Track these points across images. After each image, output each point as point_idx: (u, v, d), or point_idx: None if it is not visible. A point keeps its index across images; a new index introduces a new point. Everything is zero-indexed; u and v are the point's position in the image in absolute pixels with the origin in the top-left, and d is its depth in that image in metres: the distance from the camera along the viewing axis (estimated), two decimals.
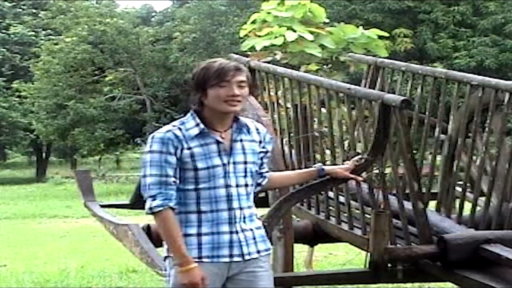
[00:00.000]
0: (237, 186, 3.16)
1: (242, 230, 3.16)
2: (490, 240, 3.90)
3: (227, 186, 3.14)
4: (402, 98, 3.91)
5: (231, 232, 3.13)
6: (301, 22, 6.70)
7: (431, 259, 4.04)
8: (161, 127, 3.23)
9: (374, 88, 5.48)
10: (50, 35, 33.13)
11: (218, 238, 3.12)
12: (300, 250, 6.62)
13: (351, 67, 6.62)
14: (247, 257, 3.15)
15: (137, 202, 6.24)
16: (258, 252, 3.20)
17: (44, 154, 39.12)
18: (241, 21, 21.16)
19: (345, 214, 4.67)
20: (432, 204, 4.77)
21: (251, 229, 3.19)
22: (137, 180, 7.34)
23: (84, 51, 28.83)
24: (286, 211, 4.24)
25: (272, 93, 5.36)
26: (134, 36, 29.72)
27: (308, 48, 6.54)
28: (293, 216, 5.08)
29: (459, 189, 4.64)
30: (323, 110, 4.82)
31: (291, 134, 5.20)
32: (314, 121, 5.03)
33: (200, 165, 3.10)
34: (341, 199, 4.69)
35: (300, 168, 4.76)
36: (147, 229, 5.02)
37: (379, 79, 5.68)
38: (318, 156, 4.96)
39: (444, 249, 3.90)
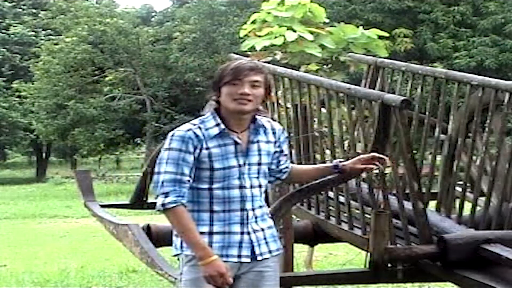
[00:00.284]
0: (251, 187, 3.17)
1: (254, 231, 3.17)
2: (490, 240, 3.90)
3: (241, 187, 3.15)
4: (402, 98, 3.91)
5: (242, 233, 3.15)
6: (301, 22, 6.70)
7: (431, 259, 4.04)
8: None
9: (374, 88, 5.48)
10: (50, 35, 33.12)
11: (228, 238, 3.13)
12: (300, 250, 6.62)
13: (351, 67, 6.62)
14: (259, 258, 3.17)
15: (137, 202, 6.25)
16: (270, 252, 3.22)
17: (44, 154, 39.13)
18: (241, 21, 21.15)
19: (345, 214, 4.67)
20: (432, 204, 4.77)
21: (263, 229, 3.21)
22: (137, 180, 7.33)
23: (84, 51, 28.82)
24: (286, 211, 4.25)
25: (272, 93, 5.35)
26: (134, 36, 29.71)
27: (308, 48, 6.54)
28: (293, 216, 5.08)
29: (459, 189, 4.64)
30: (323, 110, 4.82)
31: (291, 134, 5.20)
32: (314, 121, 5.03)
33: (216, 165, 3.12)
34: (341, 199, 4.69)
35: None
36: (147, 229, 5.03)
37: (379, 79, 5.68)
38: (318, 156, 4.96)
39: (444, 249, 3.90)
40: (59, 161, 46.42)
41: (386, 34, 6.99)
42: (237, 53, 6.21)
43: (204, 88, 28.25)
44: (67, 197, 22.22)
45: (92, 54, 29.22)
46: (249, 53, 6.69)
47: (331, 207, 4.87)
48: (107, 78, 29.47)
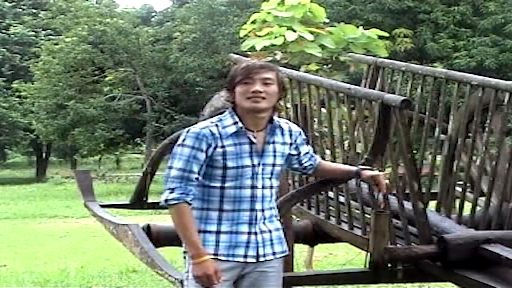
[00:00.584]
0: (262, 187, 3.18)
1: (261, 232, 3.18)
2: (490, 240, 3.90)
3: (253, 187, 3.16)
4: (402, 98, 3.91)
5: (249, 233, 3.16)
6: (301, 22, 6.71)
7: (431, 259, 4.04)
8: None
9: (374, 88, 5.48)
10: (50, 35, 33.14)
11: (236, 238, 3.14)
12: (300, 250, 6.63)
13: (351, 67, 6.63)
14: (261, 259, 3.19)
15: (137, 202, 6.25)
16: (274, 254, 3.23)
17: (44, 154, 39.15)
18: (241, 21, 21.15)
19: (345, 214, 4.67)
20: (432, 204, 4.77)
21: (270, 231, 3.22)
22: (137, 180, 7.34)
23: (84, 51, 28.82)
24: (286, 211, 4.24)
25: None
26: (134, 36, 29.71)
27: (308, 48, 6.54)
28: (293, 216, 5.08)
29: (459, 189, 4.64)
30: (323, 110, 4.82)
31: None
32: (314, 121, 5.03)
33: (230, 164, 3.13)
34: (341, 199, 4.69)
35: None
36: (147, 229, 5.02)
37: (379, 79, 5.68)
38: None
39: (444, 249, 3.90)
40: (59, 161, 46.44)
41: (386, 34, 7.00)
42: (237, 53, 6.20)
43: (204, 88, 28.27)
44: (67, 197, 22.23)
45: (92, 54, 29.22)
46: (249, 53, 6.70)
47: (331, 207, 4.86)
48: (107, 78, 29.47)
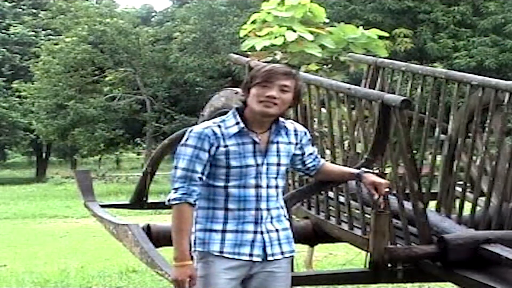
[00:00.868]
0: (267, 187, 3.19)
1: (268, 231, 3.19)
2: (490, 240, 3.90)
3: (257, 186, 3.17)
4: (402, 98, 3.91)
5: (255, 232, 3.17)
6: (301, 22, 6.71)
7: (431, 259, 4.04)
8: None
9: (374, 88, 5.48)
10: (50, 35, 33.13)
11: (241, 236, 3.16)
12: (300, 250, 6.62)
13: (351, 67, 6.62)
14: (270, 258, 3.19)
15: (137, 202, 6.25)
16: (282, 253, 3.24)
17: (44, 154, 39.13)
18: (241, 21, 21.13)
19: (345, 214, 4.67)
20: (432, 204, 4.77)
21: (277, 230, 3.23)
22: (137, 180, 7.34)
23: (84, 51, 28.80)
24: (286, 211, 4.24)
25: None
26: (134, 36, 29.69)
27: (308, 48, 6.54)
28: (293, 216, 5.08)
29: (459, 189, 4.64)
30: (323, 110, 4.82)
31: None
32: (314, 121, 5.03)
33: (233, 163, 3.14)
34: (341, 199, 4.69)
35: None
36: (147, 229, 5.03)
37: (379, 79, 5.68)
38: None
39: (444, 249, 3.90)
40: (59, 161, 46.42)
41: (386, 34, 6.99)
42: (237, 53, 6.20)
43: (204, 88, 28.27)
44: (67, 197, 22.22)
45: (92, 54, 29.20)
46: (249, 53, 6.69)
47: (331, 207, 4.86)
48: (107, 78, 29.46)
